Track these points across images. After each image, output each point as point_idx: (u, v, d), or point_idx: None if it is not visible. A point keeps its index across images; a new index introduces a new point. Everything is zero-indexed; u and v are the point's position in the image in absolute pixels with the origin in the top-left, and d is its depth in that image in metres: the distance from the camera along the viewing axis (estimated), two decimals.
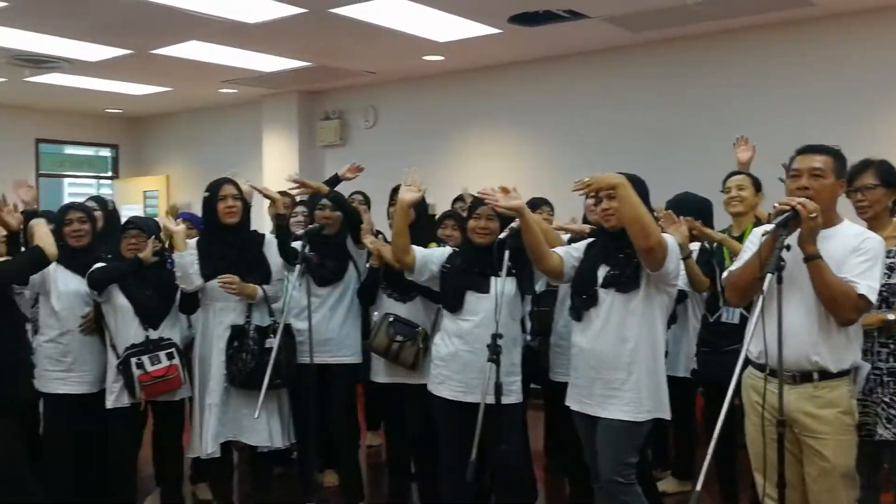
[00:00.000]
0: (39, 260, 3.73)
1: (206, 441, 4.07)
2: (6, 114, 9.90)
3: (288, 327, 4.08)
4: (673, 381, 3.49)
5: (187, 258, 4.05)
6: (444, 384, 3.67)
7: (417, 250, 3.78)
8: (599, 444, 3.23)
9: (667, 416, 3.25)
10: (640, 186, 3.19)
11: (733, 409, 2.56)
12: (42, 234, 3.77)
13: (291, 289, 4.09)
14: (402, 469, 4.49)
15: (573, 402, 3.33)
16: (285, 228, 4.33)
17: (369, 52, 7.47)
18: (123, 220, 4.53)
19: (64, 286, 4.13)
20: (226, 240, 4.13)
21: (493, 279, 3.49)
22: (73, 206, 4.39)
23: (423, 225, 4.14)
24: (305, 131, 9.49)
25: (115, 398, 4.09)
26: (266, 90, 9.24)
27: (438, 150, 8.47)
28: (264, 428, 4.12)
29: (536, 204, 4.79)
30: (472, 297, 3.63)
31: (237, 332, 4.09)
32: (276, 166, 9.48)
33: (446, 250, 3.88)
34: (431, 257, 3.80)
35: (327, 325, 4.23)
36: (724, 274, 3.07)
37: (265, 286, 4.15)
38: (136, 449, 4.32)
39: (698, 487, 2.40)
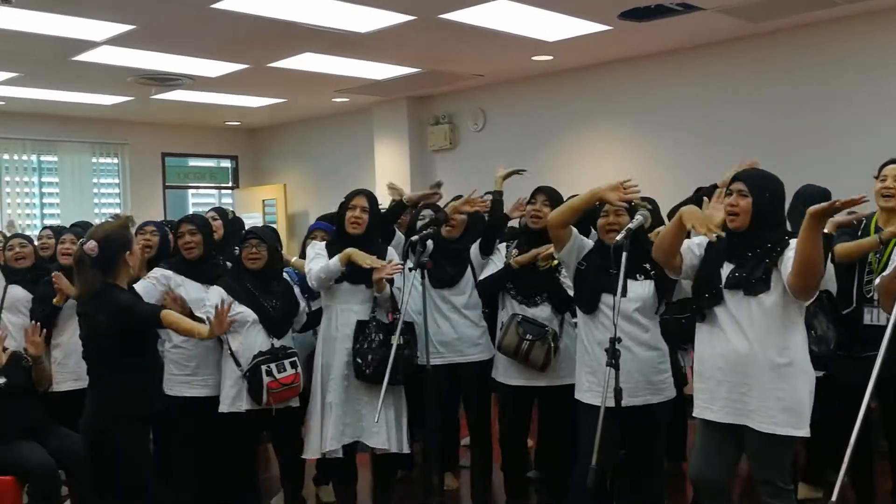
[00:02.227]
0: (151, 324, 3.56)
1: (325, 439, 4.15)
2: (135, 130, 10.42)
3: (410, 325, 4.13)
4: None
5: (332, 264, 4.14)
6: (591, 391, 3.55)
7: (576, 233, 3.68)
8: (752, 455, 3.10)
9: (805, 433, 3.04)
10: (777, 187, 3.08)
11: (870, 413, 2.43)
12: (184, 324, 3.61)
13: (408, 293, 4.12)
14: (519, 471, 4.46)
15: (699, 408, 3.20)
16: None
17: (478, 56, 7.49)
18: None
19: (186, 295, 4.30)
20: (350, 246, 4.21)
21: (630, 281, 3.32)
22: (184, 220, 4.54)
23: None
24: (415, 136, 9.60)
25: (230, 403, 4.18)
26: (377, 97, 9.39)
27: (548, 151, 8.40)
28: (384, 430, 4.18)
29: (639, 206, 4.68)
30: (607, 300, 3.48)
31: (362, 327, 4.17)
32: (387, 172, 9.61)
33: (591, 243, 3.76)
34: (582, 247, 3.69)
35: (449, 326, 4.28)
36: (877, 280, 2.91)
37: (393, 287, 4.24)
38: (256, 451, 4.43)
39: (834, 498, 2.30)
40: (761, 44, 7.02)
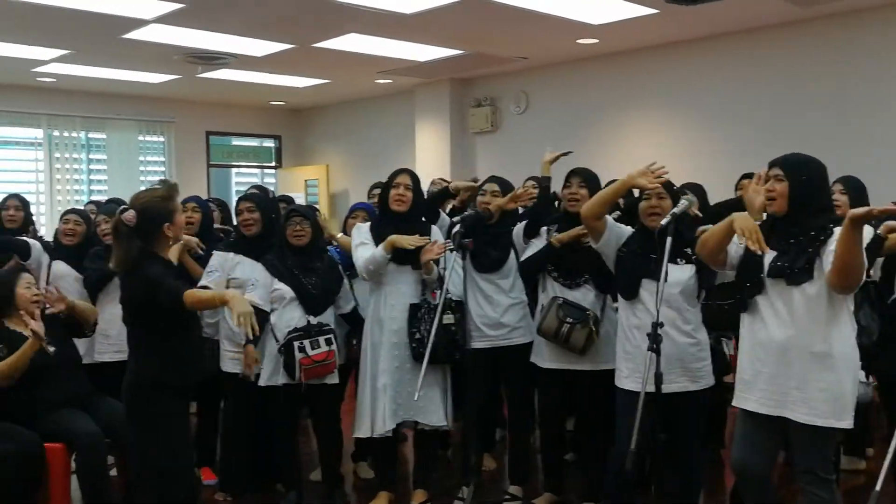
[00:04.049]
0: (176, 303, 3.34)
1: (381, 420, 4.19)
2: (181, 108, 10.55)
3: (460, 303, 4.15)
4: None
5: (378, 255, 4.15)
6: (630, 378, 3.56)
7: (610, 222, 3.68)
8: (793, 445, 3.08)
9: (848, 424, 2.99)
10: (816, 170, 3.03)
11: None
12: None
13: (450, 274, 4.11)
14: (557, 455, 4.48)
15: (740, 397, 3.18)
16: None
17: (523, 38, 7.45)
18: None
19: (241, 273, 4.38)
20: (396, 225, 4.23)
21: (670, 266, 3.29)
22: (243, 197, 4.61)
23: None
24: (457, 119, 9.59)
25: (267, 377, 4.27)
26: (419, 79, 9.39)
27: (591, 135, 8.35)
28: (440, 408, 4.22)
29: (682, 191, 4.65)
30: (648, 285, 3.48)
31: (415, 310, 4.20)
32: (428, 154, 9.65)
33: (630, 230, 3.74)
34: (620, 234, 3.69)
35: (493, 310, 4.29)
36: None
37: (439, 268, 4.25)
38: (294, 426, 4.50)
39: (878, 487, 2.28)
40: (812, 29, 6.90)
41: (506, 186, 4.42)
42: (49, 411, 4.00)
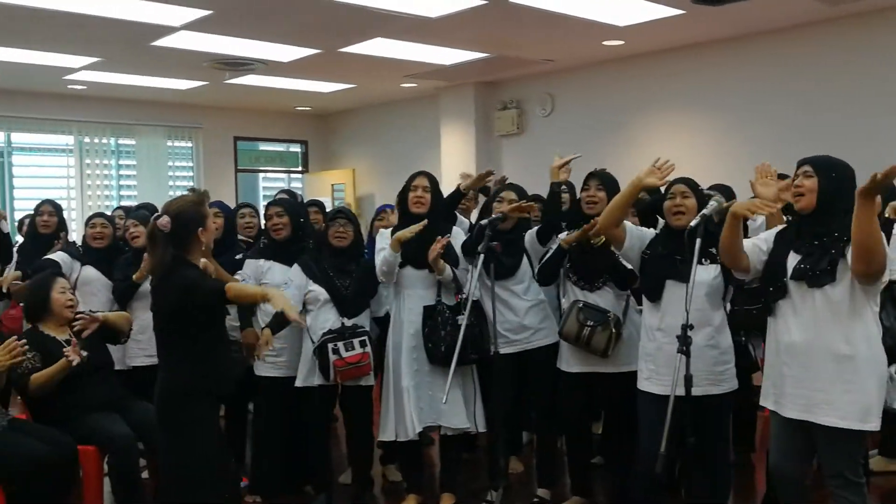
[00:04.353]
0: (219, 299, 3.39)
1: (409, 425, 4.20)
2: (209, 114, 10.65)
3: (477, 303, 4.16)
4: None
5: (387, 254, 4.20)
6: (650, 380, 3.56)
7: (630, 227, 3.67)
8: (821, 448, 3.06)
9: (875, 426, 2.97)
10: (845, 171, 3.00)
11: None
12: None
13: (475, 278, 4.13)
14: (584, 458, 4.47)
15: (768, 402, 3.17)
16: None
17: (549, 41, 7.45)
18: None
19: (272, 278, 4.42)
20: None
21: (695, 266, 3.30)
22: (272, 202, 4.66)
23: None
24: (482, 121, 9.59)
25: (303, 378, 4.32)
26: (444, 82, 9.41)
27: (617, 137, 8.32)
28: (462, 411, 4.22)
29: (708, 192, 4.62)
30: (672, 286, 3.47)
31: (430, 312, 4.22)
32: (453, 157, 9.65)
33: (652, 232, 3.74)
34: (643, 238, 3.68)
35: (513, 315, 4.28)
36: None
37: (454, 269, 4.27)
38: (327, 427, 4.53)
39: None
40: (840, 28, 6.82)
41: (522, 194, 4.43)
42: (83, 414, 4.07)
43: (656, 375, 3.52)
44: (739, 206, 3.11)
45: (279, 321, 3.89)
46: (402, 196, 4.38)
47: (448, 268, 4.23)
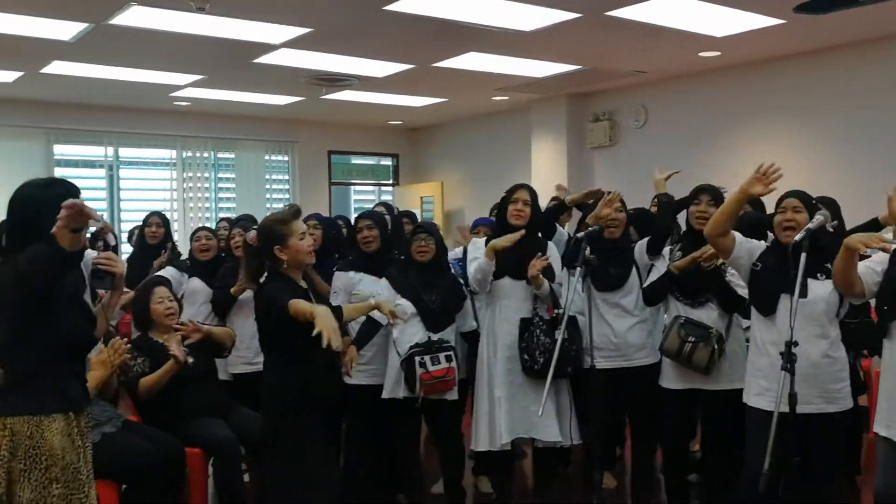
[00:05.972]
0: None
1: (498, 434, 4.22)
2: (305, 129, 10.92)
3: (573, 319, 4.14)
4: None
5: (482, 262, 4.23)
6: (762, 395, 3.48)
7: (739, 237, 3.61)
8: None
9: None
10: None
11: None
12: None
13: (572, 292, 4.13)
14: (680, 475, 4.39)
15: (880, 427, 3.06)
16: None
17: (642, 52, 7.38)
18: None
19: (363, 288, 4.50)
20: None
21: (810, 281, 3.24)
22: (361, 215, 4.73)
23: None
24: (574, 134, 9.54)
25: (390, 389, 4.36)
26: (536, 95, 9.42)
27: (711, 149, 8.16)
28: (555, 424, 4.21)
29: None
30: (786, 300, 3.37)
31: (526, 324, 4.22)
32: (545, 170, 9.63)
33: (762, 244, 3.67)
34: (752, 249, 3.61)
35: (613, 330, 4.25)
36: None
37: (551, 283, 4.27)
38: (417, 438, 4.57)
39: None
40: None
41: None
42: (189, 418, 4.22)
43: (769, 392, 3.41)
44: (853, 239, 3.02)
45: (362, 336, 3.97)
46: (501, 208, 4.40)
47: (546, 282, 4.23)
